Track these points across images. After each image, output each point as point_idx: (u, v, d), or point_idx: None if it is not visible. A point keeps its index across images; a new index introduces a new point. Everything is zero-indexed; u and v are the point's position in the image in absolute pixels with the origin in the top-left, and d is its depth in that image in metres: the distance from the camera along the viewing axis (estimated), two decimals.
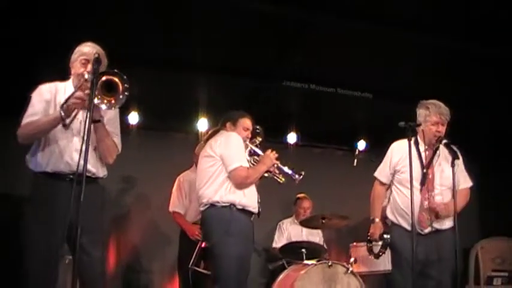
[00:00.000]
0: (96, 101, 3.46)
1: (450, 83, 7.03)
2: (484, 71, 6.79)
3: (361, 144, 8.46)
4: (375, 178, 5.04)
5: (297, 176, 5.00)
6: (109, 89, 3.53)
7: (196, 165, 6.18)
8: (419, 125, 4.66)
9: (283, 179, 5.07)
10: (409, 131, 4.38)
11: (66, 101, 3.65)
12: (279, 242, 7.13)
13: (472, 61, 6.54)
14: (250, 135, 5.02)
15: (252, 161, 4.92)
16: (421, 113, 4.79)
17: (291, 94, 7.24)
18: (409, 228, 4.51)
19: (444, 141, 4.59)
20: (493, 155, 8.17)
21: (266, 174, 4.93)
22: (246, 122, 4.99)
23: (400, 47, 6.37)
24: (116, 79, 3.53)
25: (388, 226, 4.89)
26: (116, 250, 7.45)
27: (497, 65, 6.64)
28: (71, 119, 3.72)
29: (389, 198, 4.97)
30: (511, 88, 7.11)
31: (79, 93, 3.63)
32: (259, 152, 5.03)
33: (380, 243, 4.86)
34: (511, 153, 8.27)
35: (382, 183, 5.00)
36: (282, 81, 7.03)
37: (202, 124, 7.53)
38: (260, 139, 5.20)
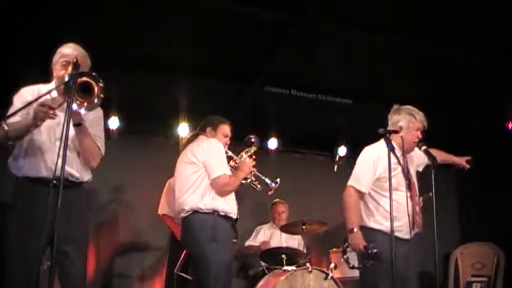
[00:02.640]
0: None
1: (432, 89, 7.12)
2: (463, 76, 6.86)
3: (342, 150, 8.50)
4: (352, 187, 4.62)
5: (273, 184, 5.08)
6: (84, 91, 3.44)
7: None
8: (398, 131, 4.62)
9: (259, 186, 5.14)
10: (388, 138, 4.37)
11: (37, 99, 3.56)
12: (251, 241, 7.22)
13: (451, 66, 6.61)
14: (228, 142, 5.04)
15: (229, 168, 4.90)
16: (402, 118, 4.71)
17: (272, 99, 7.25)
18: (402, 235, 4.48)
19: (424, 147, 4.58)
20: (472, 160, 8.24)
21: (243, 181, 4.94)
22: (226, 129, 5.02)
23: (381, 53, 6.40)
24: (91, 81, 3.46)
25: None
26: (95, 255, 7.38)
27: (474, 69, 6.72)
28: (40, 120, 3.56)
29: (367, 207, 4.69)
30: (488, 91, 7.23)
31: (57, 97, 3.56)
32: (237, 158, 5.07)
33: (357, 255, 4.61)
34: (490, 158, 8.34)
35: (359, 192, 4.62)
36: (263, 86, 7.03)
37: (183, 129, 7.51)
38: (255, 148, 5.23)
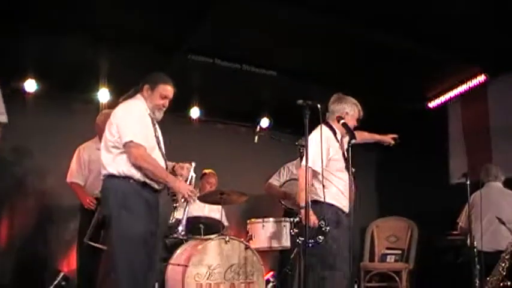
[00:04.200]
0: None
1: (350, 64, 7.25)
2: (382, 56, 7.02)
3: (264, 122, 8.50)
4: (309, 168, 4.77)
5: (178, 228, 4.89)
6: None
7: (99, 137, 6.06)
8: (319, 104, 4.64)
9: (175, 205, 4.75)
10: (306, 109, 4.40)
11: None
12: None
13: (371, 46, 6.77)
14: (166, 104, 4.61)
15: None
16: (348, 106, 5.15)
17: (195, 68, 7.16)
18: (346, 210, 4.94)
19: (342, 121, 4.74)
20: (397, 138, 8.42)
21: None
22: (167, 89, 4.55)
23: (306, 27, 6.43)
24: None
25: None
26: (10, 224, 7.17)
27: (394, 51, 6.94)
28: None
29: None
30: (404, 71, 7.46)
31: None
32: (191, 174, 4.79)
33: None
34: (407, 137, 8.55)
35: (313, 171, 4.85)
36: (187, 54, 6.94)
37: (103, 94, 7.35)
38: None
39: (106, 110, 6.28)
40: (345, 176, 4.95)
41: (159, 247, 4.55)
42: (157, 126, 4.59)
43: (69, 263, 7.09)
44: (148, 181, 4.37)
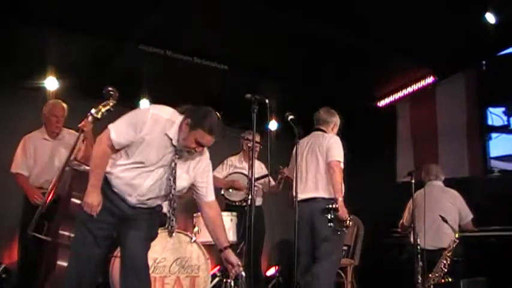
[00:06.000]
0: None
1: (303, 60, 7.28)
2: (334, 53, 7.09)
3: None
4: (339, 162, 5.51)
5: None
6: None
7: (45, 126, 5.93)
8: (267, 98, 4.61)
9: None
10: (254, 104, 4.40)
11: None
12: None
13: (324, 43, 6.86)
14: (198, 150, 4.02)
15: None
16: (337, 120, 5.82)
17: (146, 58, 7.08)
18: None
19: (290, 117, 4.74)
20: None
21: None
22: (206, 138, 3.91)
23: (259, 22, 6.45)
24: None
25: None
26: None
27: (347, 48, 7.07)
28: None
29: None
30: (352, 71, 7.68)
31: None
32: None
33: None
34: (353, 135, 8.65)
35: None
36: (138, 44, 6.86)
37: (51, 83, 7.17)
38: (114, 102, 4.93)
39: (53, 100, 6.15)
40: None
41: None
42: (177, 160, 4.03)
43: (11, 255, 6.92)
44: (116, 190, 4.00)
